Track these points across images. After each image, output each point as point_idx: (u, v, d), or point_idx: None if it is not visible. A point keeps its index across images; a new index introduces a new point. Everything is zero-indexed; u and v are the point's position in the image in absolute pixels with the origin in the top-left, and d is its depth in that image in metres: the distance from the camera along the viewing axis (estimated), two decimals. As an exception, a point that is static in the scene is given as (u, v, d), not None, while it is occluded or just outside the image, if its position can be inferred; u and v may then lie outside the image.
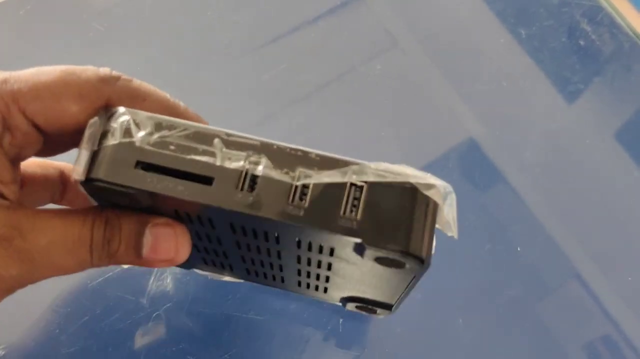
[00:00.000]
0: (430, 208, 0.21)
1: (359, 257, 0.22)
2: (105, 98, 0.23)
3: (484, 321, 0.36)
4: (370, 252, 0.21)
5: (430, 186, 0.21)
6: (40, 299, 0.33)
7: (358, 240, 0.21)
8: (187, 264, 0.31)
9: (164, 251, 0.23)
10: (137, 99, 0.24)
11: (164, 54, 0.44)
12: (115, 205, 0.23)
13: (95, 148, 0.22)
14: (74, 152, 0.26)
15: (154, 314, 0.33)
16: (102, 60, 0.42)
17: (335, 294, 0.31)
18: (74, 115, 0.23)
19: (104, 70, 0.24)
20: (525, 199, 0.40)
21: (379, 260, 0.22)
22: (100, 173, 0.21)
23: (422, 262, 0.21)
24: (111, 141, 0.22)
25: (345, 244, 0.21)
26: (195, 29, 0.45)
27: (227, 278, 0.33)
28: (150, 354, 0.32)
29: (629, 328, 0.37)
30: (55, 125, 0.23)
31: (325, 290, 0.30)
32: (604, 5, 0.48)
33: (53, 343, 0.32)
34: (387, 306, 0.30)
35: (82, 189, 0.22)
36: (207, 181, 0.21)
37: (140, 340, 0.33)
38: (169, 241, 0.23)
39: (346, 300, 0.31)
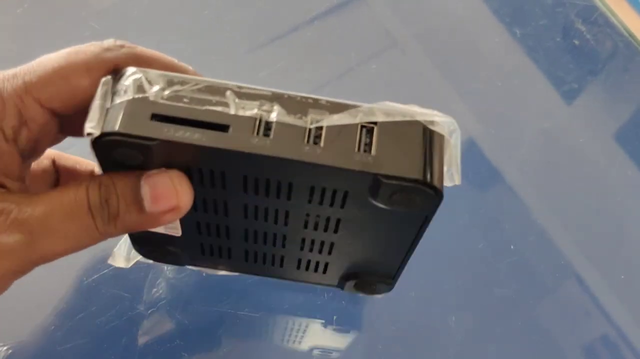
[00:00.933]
0: (438, 143, 0.22)
1: (371, 201, 0.22)
2: (112, 66, 0.23)
3: (476, 319, 0.36)
4: (385, 190, 0.22)
5: (436, 123, 0.22)
6: (36, 296, 0.33)
7: (375, 172, 0.21)
8: (182, 260, 0.31)
9: (165, 199, 0.23)
10: (143, 64, 0.24)
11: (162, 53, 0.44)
12: (121, 167, 0.23)
13: (109, 105, 0.22)
14: (66, 142, 0.27)
15: (149, 312, 0.34)
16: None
17: (334, 273, 0.31)
18: (86, 89, 0.23)
19: (108, 41, 0.24)
20: (519, 198, 0.40)
21: (392, 200, 0.22)
22: (116, 126, 0.21)
23: (437, 192, 0.22)
24: (124, 97, 0.22)
25: (361, 182, 0.22)
26: (192, 28, 0.45)
27: (222, 272, 0.33)
28: (145, 351, 0.33)
29: (623, 325, 0.37)
30: (71, 104, 0.23)
31: (325, 268, 0.30)
32: (599, 5, 0.49)
33: (48, 340, 0.32)
34: (387, 279, 0.30)
35: (91, 150, 0.22)
36: (223, 128, 0.21)
37: (135, 337, 0.33)
38: (168, 187, 0.23)
39: (345, 279, 0.31)
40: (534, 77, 0.45)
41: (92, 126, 0.21)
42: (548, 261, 0.38)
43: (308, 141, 0.21)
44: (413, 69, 0.45)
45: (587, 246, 0.39)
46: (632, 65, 0.47)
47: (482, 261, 0.37)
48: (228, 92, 0.22)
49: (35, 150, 0.25)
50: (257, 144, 0.21)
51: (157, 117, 0.21)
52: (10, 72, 0.23)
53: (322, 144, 0.21)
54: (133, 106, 0.21)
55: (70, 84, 0.23)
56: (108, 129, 0.21)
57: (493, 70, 0.45)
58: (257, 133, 0.21)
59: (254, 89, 0.22)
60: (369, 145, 0.21)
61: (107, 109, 0.22)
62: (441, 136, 0.22)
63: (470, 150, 0.42)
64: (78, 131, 0.25)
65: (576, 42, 0.47)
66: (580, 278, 0.38)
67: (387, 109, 0.22)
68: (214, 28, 0.45)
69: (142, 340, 0.33)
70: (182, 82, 0.22)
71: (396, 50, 0.46)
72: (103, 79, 0.22)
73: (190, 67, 0.26)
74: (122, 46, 0.24)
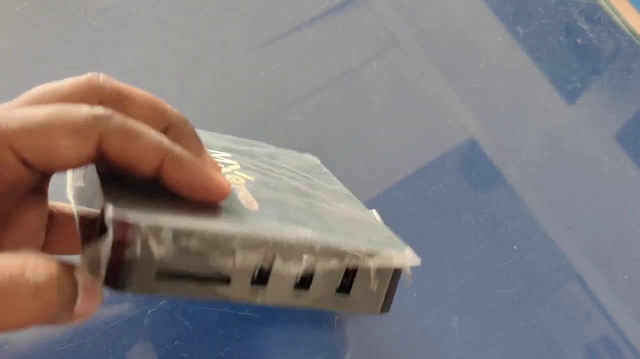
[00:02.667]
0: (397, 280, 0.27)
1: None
2: (98, 135, 0.22)
3: (479, 320, 0.36)
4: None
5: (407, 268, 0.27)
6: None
7: (347, 310, 0.26)
8: None
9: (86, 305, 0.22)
10: (130, 138, 0.23)
11: (160, 52, 0.43)
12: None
13: (103, 274, 0.21)
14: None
15: (149, 312, 0.33)
16: (97, 58, 0.42)
17: None
18: (67, 151, 0.22)
19: (98, 109, 0.23)
20: (522, 198, 0.40)
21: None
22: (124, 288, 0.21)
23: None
24: (130, 257, 0.21)
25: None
26: (191, 28, 0.45)
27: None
28: (145, 352, 0.32)
29: (625, 327, 0.37)
30: (47, 162, 0.22)
31: None
32: (602, 3, 0.48)
33: (47, 341, 0.32)
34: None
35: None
36: (224, 281, 0.23)
37: (135, 338, 0.33)
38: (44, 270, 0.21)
39: None
40: (537, 77, 0.45)
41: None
42: (551, 262, 0.38)
43: (297, 287, 0.24)
44: (414, 68, 0.45)
45: (590, 246, 0.39)
46: (635, 65, 0.47)
47: (485, 261, 0.37)
48: (234, 244, 0.23)
49: (10, 194, 0.24)
50: (253, 293, 0.24)
51: (162, 276, 0.22)
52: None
53: (309, 288, 0.25)
54: (139, 267, 0.21)
55: (50, 140, 0.22)
56: (113, 286, 0.21)
57: (495, 70, 0.45)
58: (255, 283, 0.23)
59: (256, 237, 0.23)
60: (348, 287, 0.25)
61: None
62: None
63: (473, 149, 0.41)
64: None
65: (579, 41, 0.46)
66: (584, 278, 0.38)
67: (370, 251, 0.25)
68: (214, 27, 0.45)
69: (142, 341, 0.33)
70: (189, 234, 0.22)
71: (398, 50, 0.45)
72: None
73: (176, 148, 0.24)
74: (111, 116, 0.22)
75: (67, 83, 0.24)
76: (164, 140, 0.24)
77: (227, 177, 0.28)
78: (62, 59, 0.42)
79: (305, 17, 0.46)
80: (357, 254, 0.25)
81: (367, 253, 0.25)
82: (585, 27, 0.47)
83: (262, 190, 0.28)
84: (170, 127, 0.26)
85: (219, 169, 0.27)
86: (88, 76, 0.24)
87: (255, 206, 0.26)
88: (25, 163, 0.22)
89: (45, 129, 0.22)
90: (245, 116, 0.41)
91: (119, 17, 0.45)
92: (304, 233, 0.24)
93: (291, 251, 0.24)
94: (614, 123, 0.44)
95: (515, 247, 0.38)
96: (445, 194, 0.39)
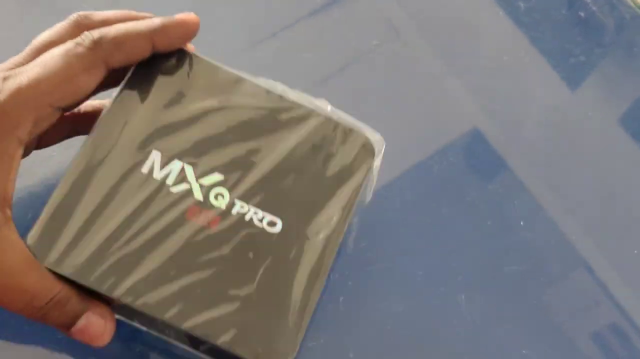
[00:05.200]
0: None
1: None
2: (104, 62, 0.28)
3: (487, 298, 0.35)
4: None
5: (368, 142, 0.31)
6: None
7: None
8: None
9: (88, 337, 0.27)
10: (119, 42, 0.28)
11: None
12: None
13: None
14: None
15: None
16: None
17: None
18: (87, 86, 0.28)
19: (86, 36, 0.27)
20: (527, 174, 0.39)
21: None
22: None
23: None
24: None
25: None
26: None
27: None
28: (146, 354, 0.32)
29: (630, 304, 0.36)
30: (76, 101, 0.28)
31: None
32: (605, -25, 0.47)
33: (49, 341, 0.32)
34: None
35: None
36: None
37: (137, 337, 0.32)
38: (98, 331, 0.27)
39: None
40: (540, 51, 0.44)
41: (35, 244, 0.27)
42: (558, 237, 0.37)
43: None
44: (415, 45, 0.44)
45: (596, 222, 0.38)
46: (639, 38, 0.46)
47: (491, 238, 0.37)
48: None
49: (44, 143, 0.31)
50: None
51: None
52: (15, 72, 0.26)
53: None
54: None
55: (75, 85, 0.27)
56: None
57: (498, 45, 0.44)
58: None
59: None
60: None
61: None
62: None
63: (477, 126, 0.41)
64: (80, 124, 0.31)
65: (582, 14, 0.45)
66: (590, 255, 0.37)
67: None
68: (212, 21, 0.44)
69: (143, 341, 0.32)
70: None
71: (399, 28, 0.45)
72: None
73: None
74: (100, 36, 0.28)
75: (58, 28, 0.29)
76: (133, 21, 0.29)
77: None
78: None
79: (305, 10, 0.45)
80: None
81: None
82: (588, 0, 0.46)
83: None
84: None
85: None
86: (71, 17, 0.29)
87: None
88: (60, 109, 0.27)
89: (66, 78, 0.27)
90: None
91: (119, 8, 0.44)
92: None
93: None
94: (619, 96, 0.44)
95: (521, 223, 0.37)
96: (450, 171, 0.39)
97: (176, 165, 0.28)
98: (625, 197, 0.40)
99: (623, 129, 0.42)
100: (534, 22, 0.45)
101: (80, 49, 0.27)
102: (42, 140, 0.31)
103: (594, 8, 0.46)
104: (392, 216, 0.37)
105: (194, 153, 0.29)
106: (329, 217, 0.29)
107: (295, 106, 0.30)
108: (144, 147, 0.29)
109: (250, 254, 0.28)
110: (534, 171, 0.39)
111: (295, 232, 0.28)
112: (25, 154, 0.30)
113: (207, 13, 0.44)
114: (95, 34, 0.27)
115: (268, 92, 0.31)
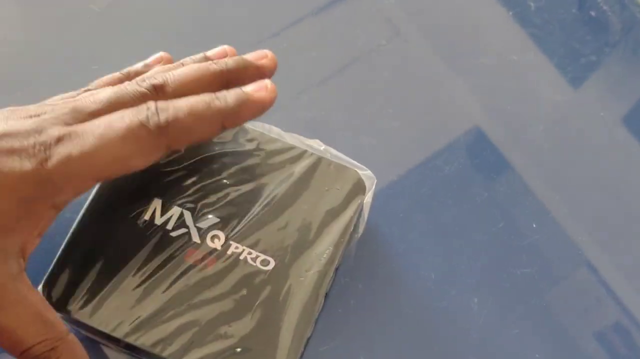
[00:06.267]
0: None
1: None
2: (166, 149, 0.26)
3: (498, 300, 0.35)
4: None
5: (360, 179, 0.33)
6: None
7: None
8: None
9: None
10: (185, 127, 0.26)
11: (161, 39, 0.42)
12: None
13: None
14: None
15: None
16: (96, 43, 0.41)
17: None
18: (141, 166, 0.26)
19: (153, 119, 0.25)
20: (537, 174, 0.39)
21: None
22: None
23: None
24: None
25: None
26: (193, 20, 0.44)
27: None
28: None
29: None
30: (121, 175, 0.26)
31: None
32: (615, -26, 0.47)
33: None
34: None
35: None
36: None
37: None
38: None
39: None
40: (550, 50, 0.43)
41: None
42: (570, 238, 0.37)
43: None
44: (424, 44, 0.44)
45: (608, 223, 0.38)
46: (650, 37, 0.46)
47: (503, 240, 0.36)
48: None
49: None
50: None
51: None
52: (70, 133, 0.25)
53: None
54: None
55: (128, 166, 0.26)
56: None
57: (507, 45, 0.44)
58: None
59: None
60: None
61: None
62: None
63: (485, 127, 0.40)
64: None
65: (592, 13, 0.45)
66: (600, 258, 0.37)
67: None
68: (215, 21, 0.44)
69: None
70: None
71: (405, 26, 0.44)
72: None
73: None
74: (165, 127, 0.25)
75: (120, 79, 0.29)
76: (205, 100, 0.26)
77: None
78: (58, 43, 0.41)
79: (307, 10, 0.44)
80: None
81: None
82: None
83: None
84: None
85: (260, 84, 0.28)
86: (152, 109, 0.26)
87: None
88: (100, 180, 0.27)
89: (123, 161, 0.25)
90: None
91: (119, 15, 0.44)
92: None
93: None
94: (630, 96, 0.43)
95: (534, 226, 0.37)
96: (459, 173, 0.38)
97: (175, 211, 0.31)
98: (635, 197, 0.39)
99: (633, 128, 0.42)
100: (543, 21, 0.44)
101: (143, 132, 0.25)
102: None
103: (605, 7, 0.45)
104: (401, 218, 0.37)
105: (191, 199, 0.31)
106: (320, 254, 0.30)
107: (289, 147, 0.32)
108: (146, 195, 0.31)
109: (245, 291, 0.29)
110: (544, 170, 0.39)
111: (287, 270, 0.30)
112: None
113: (210, 13, 0.44)
114: (162, 117, 0.25)
115: (263, 135, 0.33)
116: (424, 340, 0.34)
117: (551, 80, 0.43)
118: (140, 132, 0.25)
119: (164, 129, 0.25)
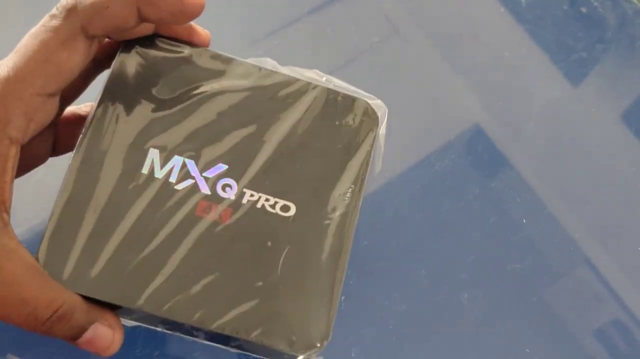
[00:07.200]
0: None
1: None
2: (80, 28, 0.25)
3: (490, 295, 0.35)
4: None
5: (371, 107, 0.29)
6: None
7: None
8: None
9: (95, 347, 0.25)
10: (98, 11, 0.25)
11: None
12: None
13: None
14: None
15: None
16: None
17: None
18: (67, 61, 0.25)
19: (60, 4, 0.24)
20: (529, 171, 0.39)
21: None
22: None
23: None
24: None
25: None
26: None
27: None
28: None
29: (633, 301, 0.36)
30: (60, 82, 0.25)
31: None
32: (606, -30, 0.47)
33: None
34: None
35: None
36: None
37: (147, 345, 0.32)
38: (105, 342, 0.25)
39: None
40: (542, 47, 0.44)
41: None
42: (560, 235, 0.37)
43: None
44: (416, 42, 0.44)
45: (599, 218, 0.38)
46: (641, 33, 0.46)
47: (494, 236, 0.36)
48: None
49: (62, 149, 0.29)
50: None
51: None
52: (14, 75, 0.24)
53: None
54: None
55: (55, 64, 0.24)
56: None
57: (499, 41, 0.44)
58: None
59: None
60: None
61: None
62: None
63: (478, 123, 0.40)
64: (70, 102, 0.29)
65: (583, 9, 0.45)
66: (593, 252, 0.37)
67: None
68: (212, 19, 0.44)
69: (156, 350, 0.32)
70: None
71: (398, 25, 0.44)
72: None
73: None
74: (73, 8, 0.24)
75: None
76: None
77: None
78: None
79: (305, 8, 0.44)
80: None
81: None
82: (589, -5, 0.46)
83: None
84: None
85: None
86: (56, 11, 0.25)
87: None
88: (48, 95, 0.25)
89: (44, 57, 0.24)
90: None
91: None
92: None
93: None
94: (621, 92, 0.43)
95: (524, 221, 0.37)
96: (452, 169, 0.38)
97: (177, 161, 0.27)
98: (627, 193, 0.39)
99: (625, 124, 0.42)
100: (535, 17, 0.45)
101: (54, 22, 0.24)
102: (58, 146, 0.29)
103: (596, 4, 0.45)
104: (393, 214, 0.37)
105: (192, 146, 0.27)
106: (343, 192, 0.28)
107: (290, 80, 0.29)
108: (140, 146, 0.27)
109: (269, 243, 0.26)
110: (536, 166, 0.39)
111: (310, 214, 0.27)
112: (39, 160, 0.29)
113: (206, 11, 0.43)
114: (70, 0, 0.24)
115: (260, 69, 0.29)
116: (416, 336, 0.34)
117: (544, 76, 0.43)
118: (51, 23, 0.24)
119: (72, 10, 0.24)
